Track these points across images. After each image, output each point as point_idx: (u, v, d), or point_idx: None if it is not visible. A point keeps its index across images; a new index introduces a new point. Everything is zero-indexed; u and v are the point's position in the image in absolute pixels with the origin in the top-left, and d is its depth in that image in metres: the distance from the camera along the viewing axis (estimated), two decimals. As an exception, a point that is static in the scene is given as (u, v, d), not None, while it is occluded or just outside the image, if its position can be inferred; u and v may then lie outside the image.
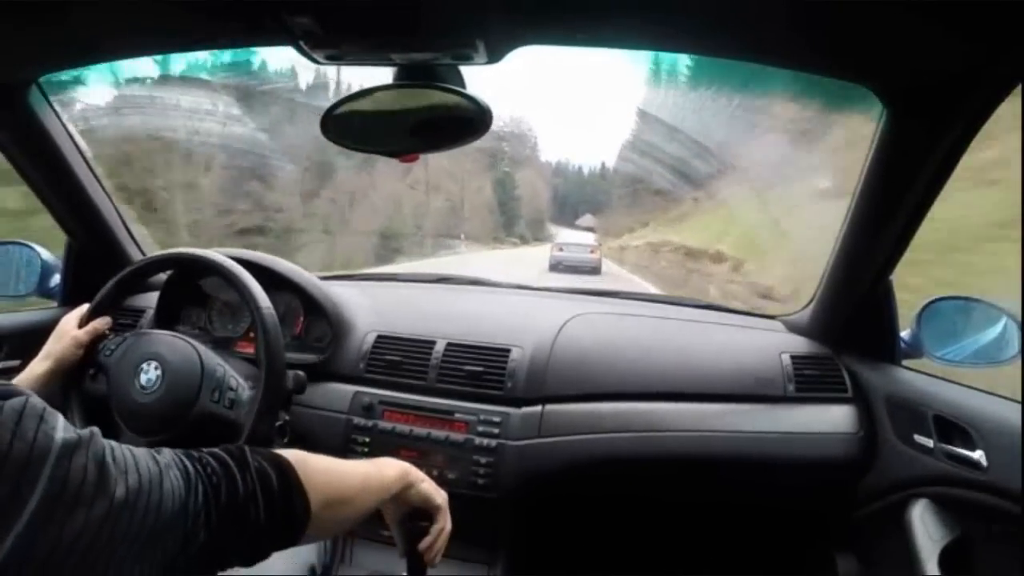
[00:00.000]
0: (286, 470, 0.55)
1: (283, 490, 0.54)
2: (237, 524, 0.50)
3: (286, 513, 0.54)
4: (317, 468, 0.59)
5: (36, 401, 0.42)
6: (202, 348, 0.95)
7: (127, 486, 0.43)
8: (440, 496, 0.74)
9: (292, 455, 0.58)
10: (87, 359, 0.95)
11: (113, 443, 0.45)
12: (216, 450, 0.54)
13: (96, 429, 0.45)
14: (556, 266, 11.54)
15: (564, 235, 15.53)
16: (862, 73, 0.77)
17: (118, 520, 0.41)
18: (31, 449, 0.39)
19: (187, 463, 0.50)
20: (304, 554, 0.92)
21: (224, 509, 0.49)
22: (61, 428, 0.42)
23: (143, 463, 0.46)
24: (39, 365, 0.90)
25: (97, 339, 0.96)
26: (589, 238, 14.90)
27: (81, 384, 0.96)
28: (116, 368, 0.93)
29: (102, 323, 0.97)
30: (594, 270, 11.50)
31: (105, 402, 0.93)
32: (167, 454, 0.50)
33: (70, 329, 0.95)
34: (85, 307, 0.99)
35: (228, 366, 0.97)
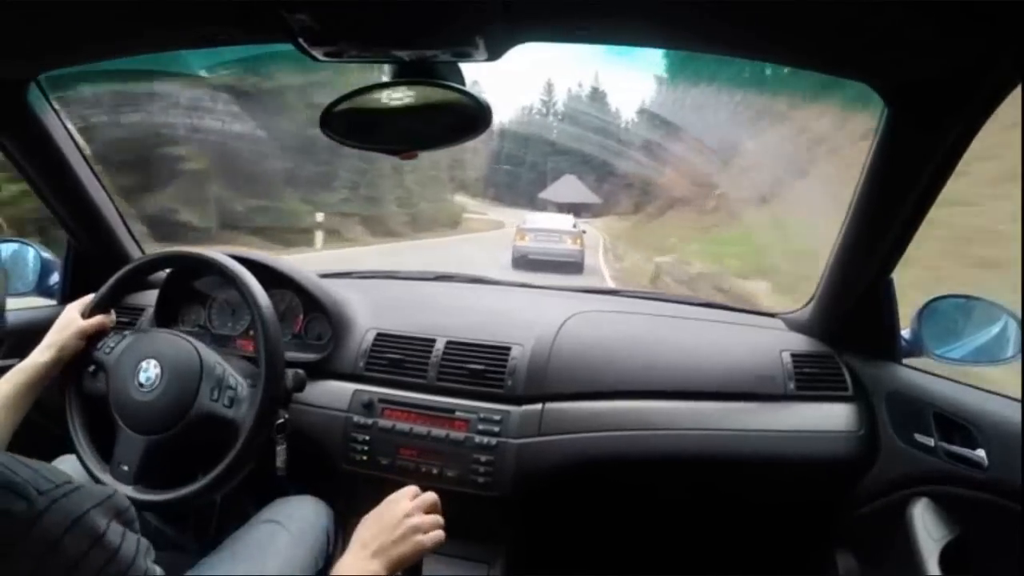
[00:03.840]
0: None
1: None
2: None
3: None
4: None
5: (141, 562, 0.47)
6: (201, 346, 0.95)
7: None
8: (407, 546, 0.72)
9: None
10: (88, 353, 0.96)
11: None
12: None
13: None
14: (520, 260, 8.41)
15: (533, 218, 10.21)
16: (863, 70, 0.77)
17: None
18: None
19: None
20: (303, 556, 0.92)
21: None
22: None
23: None
24: (41, 355, 0.91)
25: (98, 335, 0.97)
26: (567, 221, 9.98)
27: (80, 381, 0.97)
28: (115, 366, 0.93)
29: (107, 319, 0.97)
30: (575, 265, 8.41)
31: (104, 400, 0.93)
32: None
33: (75, 318, 0.95)
34: (88, 298, 0.99)
35: (227, 365, 0.97)
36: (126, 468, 0.89)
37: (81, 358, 0.95)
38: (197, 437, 0.91)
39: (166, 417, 0.89)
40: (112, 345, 0.96)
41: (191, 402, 0.90)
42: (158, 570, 0.49)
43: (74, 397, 0.96)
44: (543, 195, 21.29)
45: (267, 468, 0.99)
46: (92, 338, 0.96)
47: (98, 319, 0.96)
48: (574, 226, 9.69)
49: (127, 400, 0.91)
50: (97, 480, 0.89)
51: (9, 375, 0.87)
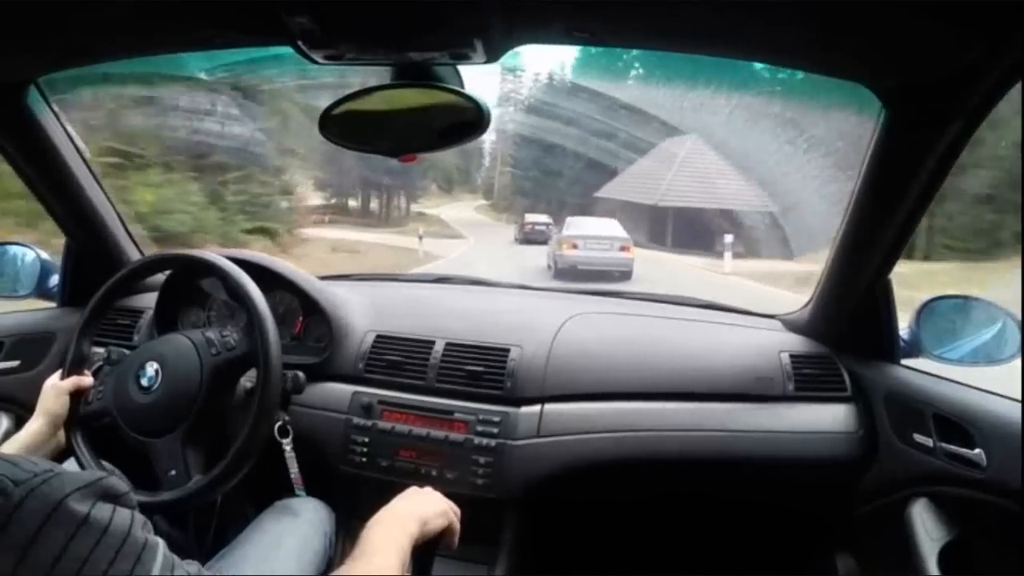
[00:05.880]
0: None
1: None
2: None
3: None
4: None
5: (138, 534, 0.43)
6: (182, 331, 0.97)
7: None
8: (443, 519, 0.74)
9: None
10: (81, 412, 0.93)
11: None
12: None
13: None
14: (569, 271, 8.32)
15: (578, 224, 9.46)
16: (860, 71, 0.77)
17: None
18: None
19: None
20: (305, 558, 0.92)
21: None
22: (159, 566, 0.43)
23: None
24: (33, 423, 0.89)
25: (82, 393, 0.94)
26: (614, 226, 9.40)
27: (82, 426, 0.94)
28: (112, 393, 0.92)
29: (86, 381, 0.95)
30: (625, 275, 8.29)
31: (110, 431, 0.91)
32: None
33: (51, 384, 0.93)
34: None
35: (212, 326, 0.98)
36: (173, 473, 0.87)
37: (80, 419, 0.93)
38: (223, 392, 0.92)
39: (185, 396, 0.89)
40: (101, 388, 0.94)
41: (199, 368, 0.90)
42: (160, 540, 0.46)
43: (80, 439, 0.92)
44: (604, 192, 14.12)
45: (266, 470, 0.99)
46: (77, 395, 0.93)
47: (72, 379, 0.93)
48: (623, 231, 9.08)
49: (140, 413, 0.89)
50: (157, 507, 0.85)
51: (6, 446, 0.86)
